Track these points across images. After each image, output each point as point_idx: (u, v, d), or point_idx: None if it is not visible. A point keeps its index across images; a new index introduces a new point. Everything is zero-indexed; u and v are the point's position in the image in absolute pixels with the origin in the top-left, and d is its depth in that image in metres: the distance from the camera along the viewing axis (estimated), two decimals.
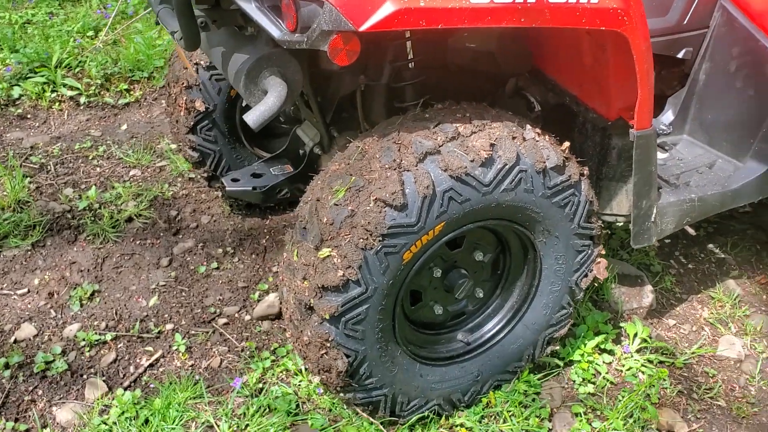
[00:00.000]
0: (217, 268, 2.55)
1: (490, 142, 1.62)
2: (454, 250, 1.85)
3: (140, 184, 2.95)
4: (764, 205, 2.56)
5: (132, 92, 3.64)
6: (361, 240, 1.56)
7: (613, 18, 1.58)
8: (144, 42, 3.79)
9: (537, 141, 1.70)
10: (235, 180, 2.24)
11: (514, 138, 1.66)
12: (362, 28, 1.38)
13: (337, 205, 1.60)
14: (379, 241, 1.56)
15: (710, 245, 2.80)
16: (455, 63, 2.01)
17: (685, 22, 2.26)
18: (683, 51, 2.31)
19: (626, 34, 1.62)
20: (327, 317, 1.62)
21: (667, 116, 2.42)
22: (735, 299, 2.52)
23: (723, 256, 2.75)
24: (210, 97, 2.43)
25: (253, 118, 1.60)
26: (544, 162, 1.68)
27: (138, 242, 2.64)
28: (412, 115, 1.73)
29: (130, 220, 2.74)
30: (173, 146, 3.20)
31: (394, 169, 1.57)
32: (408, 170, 1.57)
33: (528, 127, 1.73)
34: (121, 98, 3.59)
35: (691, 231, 2.63)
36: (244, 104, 2.55)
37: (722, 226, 2.89)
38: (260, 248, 2.66)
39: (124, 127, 3.39)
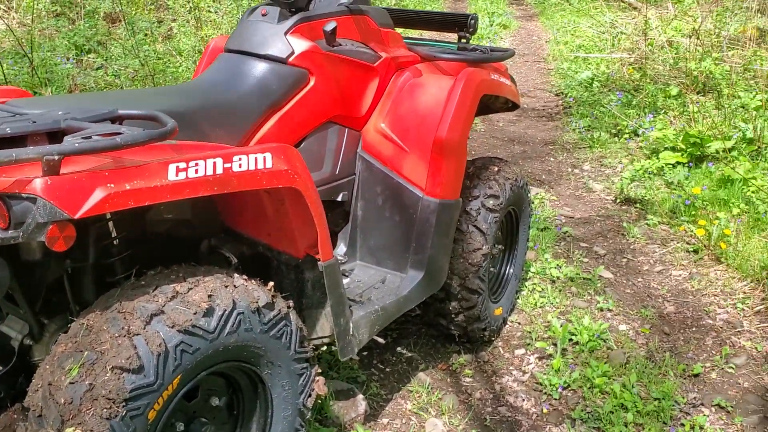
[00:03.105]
0: None
1: (207, 294, 1.84)
2: (192, 401, 1.97)
3: None
4: (427, 305, 3.15)
5: None
6: (105, 410, 1.62)
7: (286, 177, 1.96)
8: None
9: (246, 285, 1.96)
10: None
11: (226, 286, 1.90)
12: (77, 216, 1.53)
13: (72, 383, 1.64)
14: (123, 406, 1.64)
15: (398, 348, 3.29)
16: (155, 233, 2.21)
17: (337, 173, 2.79)
18: (341, 195, 2.83)
19: (298, 188, 2.01)
20: None
21: (341, 248, 2.89)
22: (428, 387, 2.99)
23: (410, 354, 3.25)
24: None
25: None
26: (257, 302, 1.94)
27: None
28: (129, 285, 1.87)
29: None
30: None
31: (125, 336, 1.69)
32: (138, 334, 1.69)
33: (236, 275, 1.98)
34: None
35: (381, 340, 3.09)
36: None
37: (402, 330, 3.42)
38: None
39: None
